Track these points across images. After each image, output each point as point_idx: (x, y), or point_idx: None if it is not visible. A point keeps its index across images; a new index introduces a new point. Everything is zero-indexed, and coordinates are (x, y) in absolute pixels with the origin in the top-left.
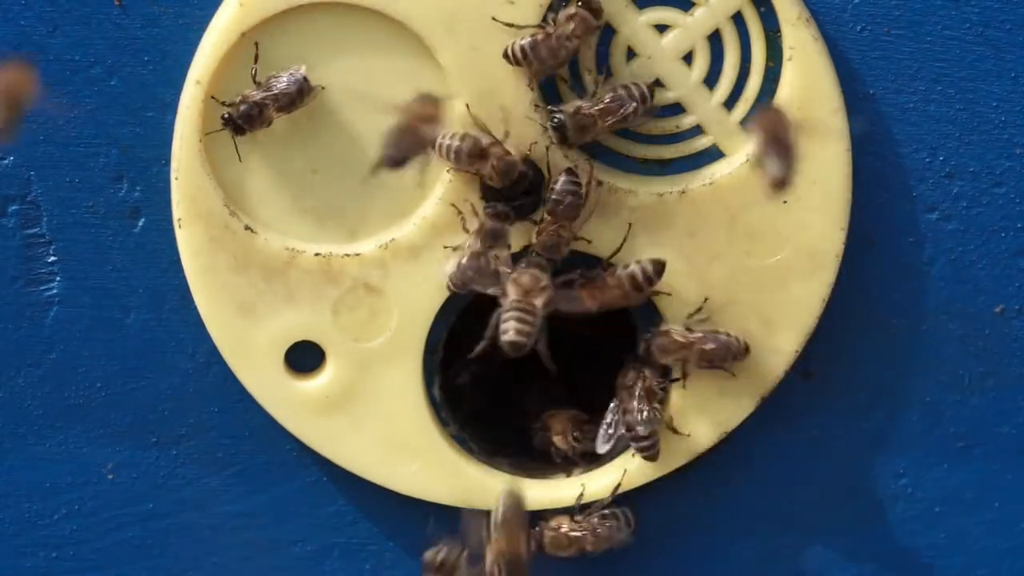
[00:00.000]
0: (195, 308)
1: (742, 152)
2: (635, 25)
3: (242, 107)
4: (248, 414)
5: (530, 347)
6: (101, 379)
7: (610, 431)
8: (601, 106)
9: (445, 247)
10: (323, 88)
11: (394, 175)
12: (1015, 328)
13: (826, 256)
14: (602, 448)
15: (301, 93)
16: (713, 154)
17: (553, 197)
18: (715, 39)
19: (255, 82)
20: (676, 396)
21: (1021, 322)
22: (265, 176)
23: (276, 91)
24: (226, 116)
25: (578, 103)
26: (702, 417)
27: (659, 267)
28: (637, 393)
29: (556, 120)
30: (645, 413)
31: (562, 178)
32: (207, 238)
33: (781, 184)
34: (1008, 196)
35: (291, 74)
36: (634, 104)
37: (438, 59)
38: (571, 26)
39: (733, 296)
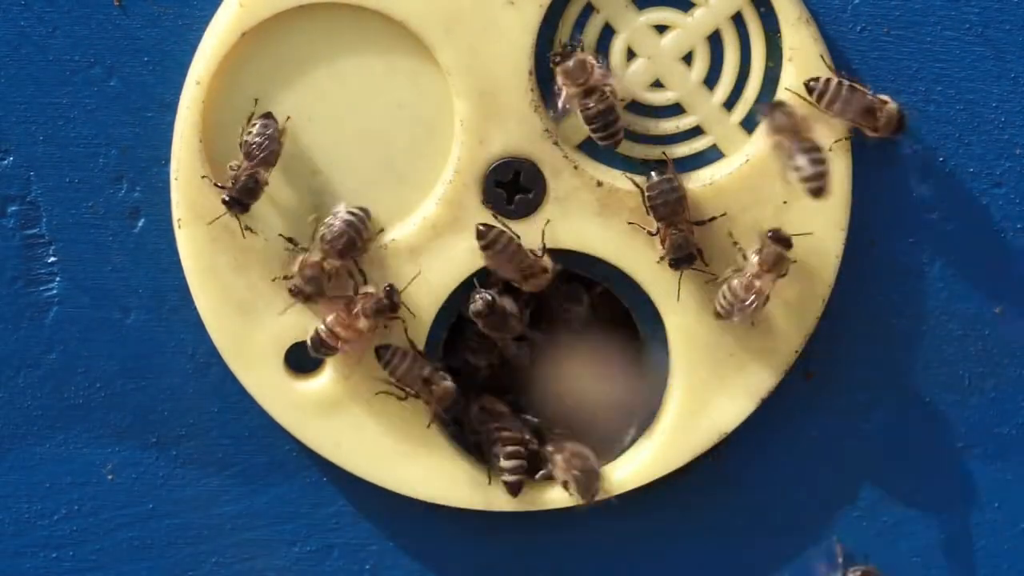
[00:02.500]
0: (195, 308)
1: (742, 152)
2: (635, 25)
3: (239, 182)
4: (248, 414)
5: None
6: (101, 379)
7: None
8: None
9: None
10: (288, 118)
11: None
12: (1015, 328)
13: (826, 256)
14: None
15: (275, 139)
16: (713, 154)
17: (659, 201)
18: (715, 39)
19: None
20: (676, 395)
21: (1021, 322)
22: None
23: (260, 156)
24: (227, 199)
25: (302, 257)
26: (702, 417)
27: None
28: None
29: (291, 288)
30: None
31: (654, 176)
32: (207, 238)
33: (821, 187)
34: (1008, 196)
35: (259, 129)
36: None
37: (438, 59)
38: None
39: None
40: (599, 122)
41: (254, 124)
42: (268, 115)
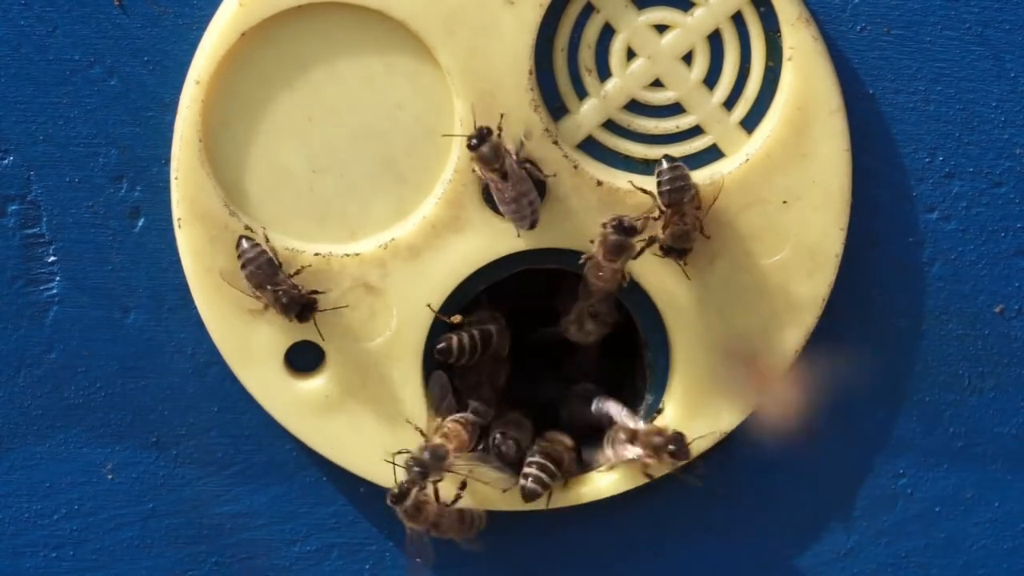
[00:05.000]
0: (195, 308)
1: (742, 152)
2: (635, 25)
3: (278, 306)
4: (247, 414)
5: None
6: (101, 379)
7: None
8: None
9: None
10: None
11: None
12: (1015, 328)
13: (826, 256)
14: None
15: (263, 253)
16: (713, 154)
17: (669, 189)
18: (715, 39)
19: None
20: (676, 395)
21: (1021, 322)
22: (265, 176)
23: (264, 276)
24: (294, 316)
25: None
26: (702, 417)
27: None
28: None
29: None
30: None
31: (664, 165)
32: (207, 238)
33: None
34: (1008, 196)
35: (245, 253)
36: None
37: (438, 59)
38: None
39: (733, 296)
40: (515, 205)
41: (240, 249)
42: (241, 237)
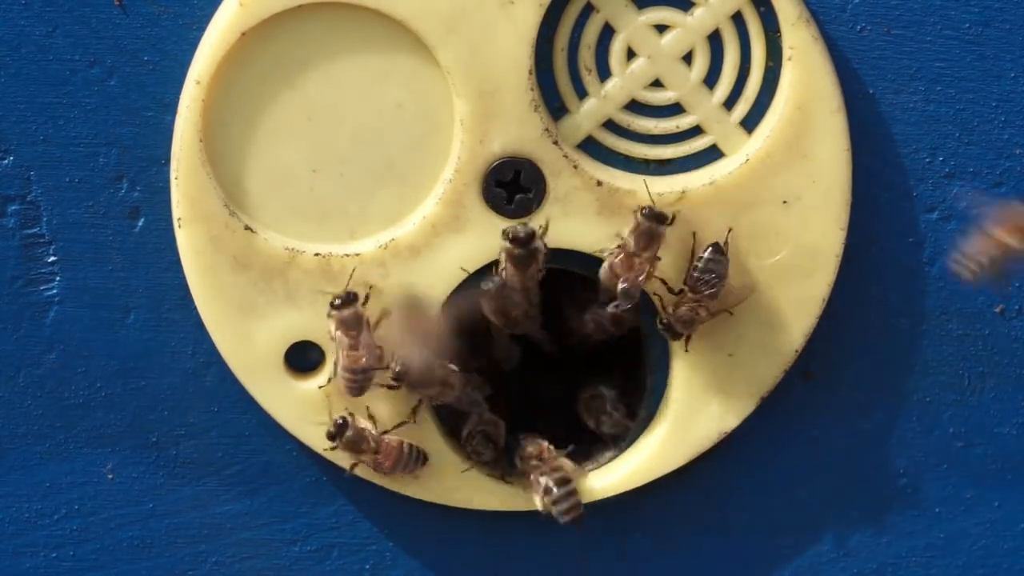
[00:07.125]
0: (195, 308)
1: (742, 152)
2: (635, 25)
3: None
4: (247, 414)
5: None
6: (101, 379)
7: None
8: None
9: None
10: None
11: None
12: (1015, 328)
13: (826, 256)
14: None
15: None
16: (713, 154)
17: (698, 276)
18: (715, 39)
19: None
20: (677, 395)
21: (1021, 322)
22: (265, 176)
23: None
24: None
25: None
26: (702, 417)
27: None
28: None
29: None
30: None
31: (708, 254)
32: (207, 238)
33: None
34: (1008, 196)
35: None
36: None
37: (438, 59)
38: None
39: None
40: None
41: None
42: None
